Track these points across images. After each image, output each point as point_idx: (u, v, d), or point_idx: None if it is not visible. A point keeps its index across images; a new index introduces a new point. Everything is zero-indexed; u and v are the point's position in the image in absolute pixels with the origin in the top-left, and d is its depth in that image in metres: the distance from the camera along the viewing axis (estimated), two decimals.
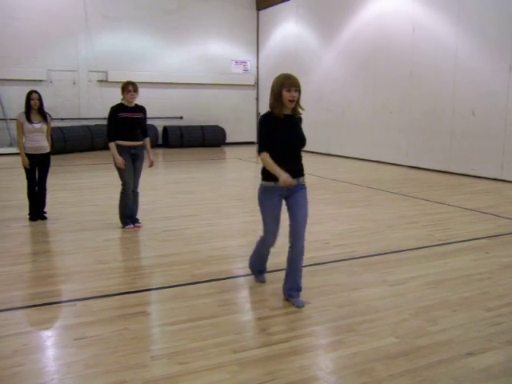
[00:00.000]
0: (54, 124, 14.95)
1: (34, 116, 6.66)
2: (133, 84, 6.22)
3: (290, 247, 4.10)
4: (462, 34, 10.92)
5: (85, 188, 9.44)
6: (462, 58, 10.98)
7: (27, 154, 6.71)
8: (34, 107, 6.63)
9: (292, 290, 4.11)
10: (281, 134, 3.93)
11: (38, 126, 6.65)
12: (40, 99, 6.66)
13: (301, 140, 4.06)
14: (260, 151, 3.97)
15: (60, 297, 4.23)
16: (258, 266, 4.56)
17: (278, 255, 5.28)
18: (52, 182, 9.91)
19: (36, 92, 6.69)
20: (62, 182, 10.14)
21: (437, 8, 11.47)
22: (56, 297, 4.24)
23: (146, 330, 3.67)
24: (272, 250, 5.39)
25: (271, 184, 4.02)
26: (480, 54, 10.61)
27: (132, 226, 6.51)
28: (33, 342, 3.42)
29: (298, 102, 3.98)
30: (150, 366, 3.09)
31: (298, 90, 3.92)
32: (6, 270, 4.89)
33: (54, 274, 4.81)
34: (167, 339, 3.49)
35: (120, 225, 6.48)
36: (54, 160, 13.55)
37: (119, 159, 6.22)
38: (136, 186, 6.52)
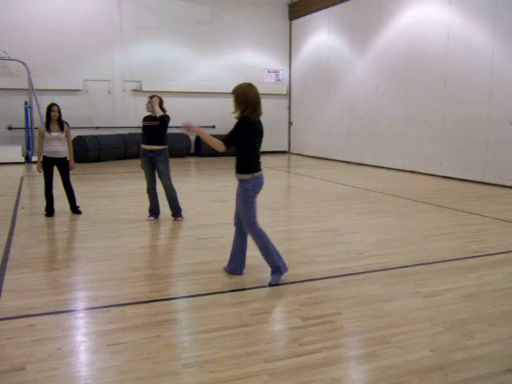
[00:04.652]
0: (89, 132, 15.57)
1: (54, 126, 7.45)
2: (151, 97, 7.22)
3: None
4: (498, 41, 10.70)
5: (119, 196, 9.58)
6: (498, 65, 10.76)
7: (46, 157, 7.49)
8: (54, 118, 7.43)
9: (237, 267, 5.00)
10: (257, 135, 4.74)
11: (55, 134, 7.44)
12: (59, 111, 7.47)
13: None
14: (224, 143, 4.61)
15: (94, 303, 4.28)
16: (277, 258, 4.74)
17: (310, 265, 5.26)
18: (87, 189, 10.12)
19: (56, 105, 7.50)
20: (98, 189, 10.33)
21: (472, 16, 11.28)
22: (90, 302, 4.30)
23: (178, 337, 3.69)
24: (303, 259, 5.41)
25: (258, 174, 4.69)
26: None
27: (152, 218, 7.33)
28: (67, 346, 3.47)
29: None
30: (181, 374, 3.10)
31: None
32: (42, 276, 4.99)
33: (89, 279, 4.88)
34: (199, 347, 3.50)
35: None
36: (90, 168, 13.95)
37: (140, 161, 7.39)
38: (166, 185, 7.26)
